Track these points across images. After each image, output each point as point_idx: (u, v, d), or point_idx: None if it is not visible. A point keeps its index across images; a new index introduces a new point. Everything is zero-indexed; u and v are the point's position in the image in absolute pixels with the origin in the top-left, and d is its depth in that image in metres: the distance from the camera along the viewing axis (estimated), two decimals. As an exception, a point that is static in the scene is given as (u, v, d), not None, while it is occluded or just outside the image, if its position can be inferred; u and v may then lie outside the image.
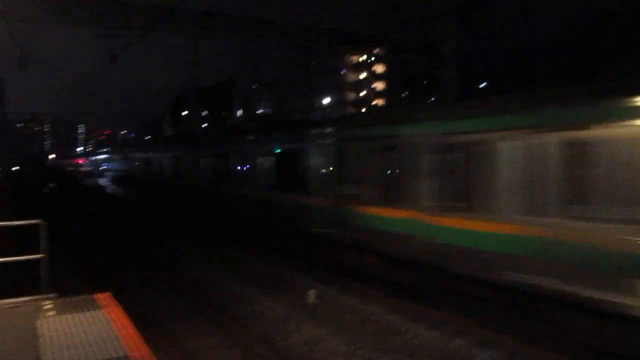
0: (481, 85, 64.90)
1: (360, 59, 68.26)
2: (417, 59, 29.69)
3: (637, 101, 7.31)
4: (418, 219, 10.97)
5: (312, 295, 11.83)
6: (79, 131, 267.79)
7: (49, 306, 6.49)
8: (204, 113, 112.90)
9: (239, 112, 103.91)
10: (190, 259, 17.13)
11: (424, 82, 64.17)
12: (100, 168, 46.37)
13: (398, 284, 13.25)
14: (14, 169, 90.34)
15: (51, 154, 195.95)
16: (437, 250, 10.59)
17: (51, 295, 6.86)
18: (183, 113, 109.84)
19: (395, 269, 14.67)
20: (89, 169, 56.81)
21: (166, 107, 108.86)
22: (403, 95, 71.14)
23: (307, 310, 11.12)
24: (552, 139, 8.22)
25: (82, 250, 19.13)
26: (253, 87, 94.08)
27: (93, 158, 51.74)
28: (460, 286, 10.80)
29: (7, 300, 6.63)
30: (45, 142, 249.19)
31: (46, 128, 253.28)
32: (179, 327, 10.26)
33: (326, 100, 74.93)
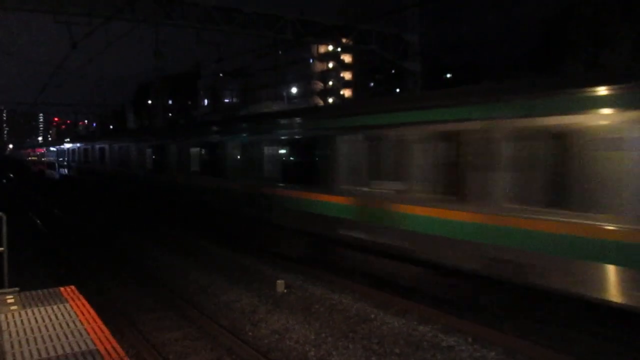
0: (447, 76, 65.94)
1: (328, 49, 68.20)
2: (383, 49, 29.82)
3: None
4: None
5: (280, 285, 11.89)
6: (40, 120, 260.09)
7: (11, 300, 6.37)
8: (169, 102, 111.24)
9: (205, 102, 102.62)
10: (150, 248, 16.99)
11: (391, 73, 64.77)
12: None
13: (360, 270, 13.48)
14: None
15: (9, 144, 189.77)
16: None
17: (13, 289, 6.73)
18: (148, 102, 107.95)
19: (357, 256, 14.91)
20: (50, 160, 55.44)
21: (130, 96, 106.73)
22: (370, 85, 71.68)
23: (274, 300, 11.17)
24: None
25: (45, 243, 18.71)
26: (219, 76, 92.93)
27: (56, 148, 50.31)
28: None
29: (-35, 296, 6.48)
30: (4, 132, 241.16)
31: (3, 117, 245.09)
32: (144, 320, 10.18)
33: (293, 90, 74.68)
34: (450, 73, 65.65)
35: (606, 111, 7.05)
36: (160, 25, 22.00)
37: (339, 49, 63.82)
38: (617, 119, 6.97)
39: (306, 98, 75.65)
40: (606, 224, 6.96)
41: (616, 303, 6.99)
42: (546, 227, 7.63)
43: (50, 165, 62.73)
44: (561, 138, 7.54)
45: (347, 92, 78.43)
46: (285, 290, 11.79)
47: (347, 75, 78.38)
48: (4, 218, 6.61)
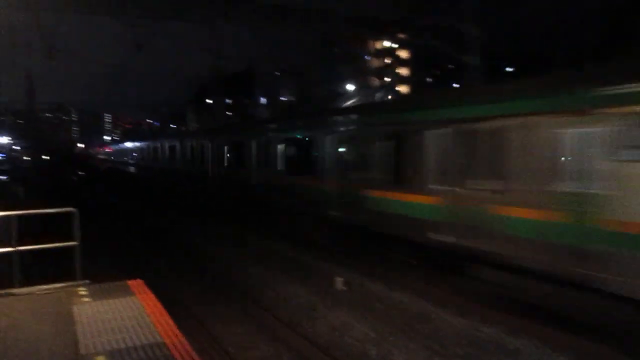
0: (508, 70, 63.83)
1: (384, 45, 67.57)
2: (440, 43, 29.19)
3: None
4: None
5: (339, 282, 11.85)
6: (106, 120, 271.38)
7: (83, 292, 6.63)
8: (228, 101, 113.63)
9: (262, 100, 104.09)
10: (213, 243, 17.34)
11: (449, 67, 63.41)
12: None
13: (419, 268, 13.24)
14: (44, 157, 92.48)
15: (79, 143, 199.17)
16: None
17: (85, 281, 7.00)
18: (207, 101, 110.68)
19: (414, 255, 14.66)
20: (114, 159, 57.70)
21: (190, 96, 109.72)
22: (428, 80, 70.48)
23: (334, 297, 11.14)
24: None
25: (113, 238, 19.48)
26: (275, 74, 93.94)
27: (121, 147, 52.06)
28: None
29: (42, 287, 6.79)
30: (73, 131, 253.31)
31: (74, 117, 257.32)
32: (205, 313, 10.39)
33: (350, 87, 74.48)
34: (511, 66, 63.52)
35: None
36: (218, 25, 22.37)
37: (395, 45, 63.17)
38: None
39: (362, 95, 75.37)
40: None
41: None
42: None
43: (118, 163, 65.65)
44: None
45: (403, 89, 77.47)
46: (345, 287, 11.74)
47: (403, 71, 77.43)
48: (77, 213, 6.89)
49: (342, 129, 14.53)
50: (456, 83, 67.42)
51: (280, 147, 18.03)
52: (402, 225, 12.18)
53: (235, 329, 9.65)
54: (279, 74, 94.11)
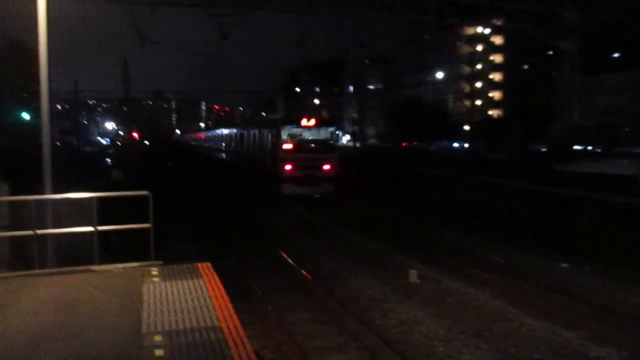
0: (614, 56, 59.13)
1: (476, 31, 64.88)
2: (536, 28, 27.49)
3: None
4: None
5: (412, 275, 11.55)
6: (202, 108, 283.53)
7: (154, 272, 6.88)
8: (316, 89, 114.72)
9: (350, 88, 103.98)
10: (289, 230, 17.56)
11: (546, 54, 59.80)
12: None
13: (503, 267, 12.64)
14: (145, 142, 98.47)
15: (176, 129, 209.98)
16: None
17: (158, 262, 7.27)
18: (296, 89, 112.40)
19: (493, 250, 14.03)
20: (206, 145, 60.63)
21: (279, 84, 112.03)
22: (523, 68, 66.91)
23: (406, 291, 10.88)
24: None
25: (196, 220, 20.31)
26: (364, 63, 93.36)
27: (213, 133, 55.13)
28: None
29: (118, 265, 7.13)
30: (172, 118, 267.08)
31: (172, 105, 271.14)
32: (277, 298, 10.51)
33: (439, 75, 72.46)
34: (618, 52, 58.78)
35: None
36: (303, 14, 22.44)
37: (488, 30, 60.38)
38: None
39: (452, 83, 73.05)
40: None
41: None
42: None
43: (210, 149, 68.47)
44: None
45: (496, 76, 74.16)
46: (419, 281, 11.45)
47: (497, 58, 74.02)
48: (150, 196, 7.16)
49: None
50: (555, 70, 63.53)
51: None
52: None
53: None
54: (367, 62, 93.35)
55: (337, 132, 37.59)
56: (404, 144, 57.29)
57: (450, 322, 9.05)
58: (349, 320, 9.18)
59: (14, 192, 9.12)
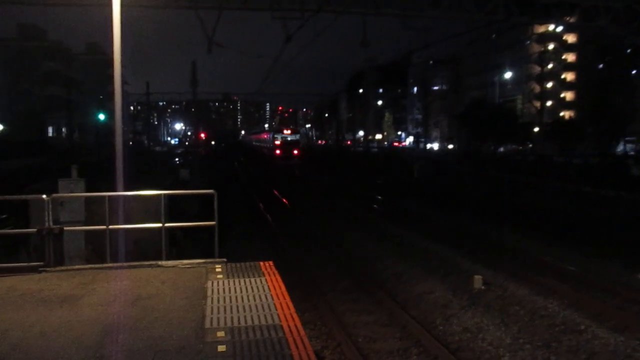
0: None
1: (547, 29, 62.28)
2: (614, 25, 26.04)
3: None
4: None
5: (477, 280, 11.21)
6: (267, 109, 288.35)
7: (218, 269, 7.02)
8: (380, 90, 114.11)
9: (414, 89, 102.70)
10: (351, 232, 17.50)
11: (624, 52, 56.64)
12: None
13: (575, 276, 12.04)
14: (212, 143, 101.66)
15: (242, 130, 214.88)
16: None
17: (222, 260, 7.42)
18: (359, 91, 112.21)
19: (570, 260, 13.39)
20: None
21: (343, 85, 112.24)
22: (599, 66, 63.53)
23: (470, 297, 10.57)
24: None
25: (259, 220, 20.66)
26: (429, 64, 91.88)
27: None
28: None
29: (185, 261, 7.33)
30: (237, 119, 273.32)
31: (238, 106, 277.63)
32: (338, 300, 10.50)
33: (507, 75, 70.17)
34: None
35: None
36: (367, 15, 22.28)
37: (560, 28, 57.75)
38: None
39: (521, 84, 70.58)
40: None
41: None
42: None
43: (261, 147, 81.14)
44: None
45: (569, 76, 70.90)
46: (483, 287, 11.08)
47: (569, 57, 70.75)
48: (216, 195, 7.32)
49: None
50: (635, 68, 59.97)
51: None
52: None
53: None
54: (432, 63, 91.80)
55: (299, 137, 71.85)
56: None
57: (517, 332, 8.71)
58: (411, 324, 9.02)
59: (89, 189, 9.59)
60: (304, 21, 16.73)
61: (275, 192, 29.19)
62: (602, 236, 16.39)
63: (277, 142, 66.46)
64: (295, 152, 64.70)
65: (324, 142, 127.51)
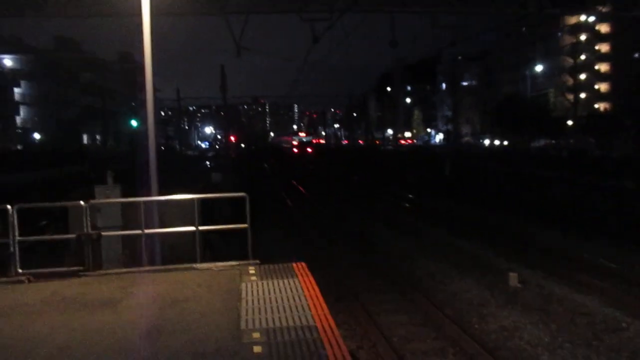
0: None
1: (579, 19, 60.79)
2: (651, 13, 25.23)
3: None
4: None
5: (513, 278, 11.03)
6: (295, 111, 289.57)
7: (252, 271, 7.09)
8: (409, 88, 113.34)
9: (443, 86, 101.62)
10: (384, 232, 17.42)
11: (662, 41, 54.74)
12: None
13: (615, 273, 11.73)
14: (242, 146, 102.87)
15: (270, 132, 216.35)
16: None
17: (255, 261, 7.49)
18: (388, 89, 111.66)
19: (610, 257, 13.06)
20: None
21: (372, 85, 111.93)
22: (635, 56, 61.68)
23: (506, 295, 10.41)
24: None
25: (291, 219, 20.75)
26: (458, 60, 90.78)
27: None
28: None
29: (219, 264, 7.42)
30: (266, 122, 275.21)
31: (266, 109, 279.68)
32: (372, 301, 10.46)
33: (539, 68, 68.72)
34: None
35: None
36: (395, 13, 22.11)
37: (593, 18, 56.22)
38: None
39: (553, 77, 69.06)
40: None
41: None
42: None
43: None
44: None
45: (603, 67, 69.01)
46: (520, 285, 10.92)
47: (603, 48, 68.84)
48: (247, 198, 7.39)
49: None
50: (671, 58, 57.89)
51: None
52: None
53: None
54: (461, 59, 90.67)
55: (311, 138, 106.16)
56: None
57: (555, 330, 8.53)
58: (446, 324, 8.94)
59: (125, 195, 9.81)
60: (332, 22, 16.77)
61: (307, 195, 29.26)
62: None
63: (295, 143, 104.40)
64: (309, 149, 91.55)
65: (346, 141, 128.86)
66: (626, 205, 18.41)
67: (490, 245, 14.71)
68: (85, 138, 71.13)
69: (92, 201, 7.75)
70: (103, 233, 7.53)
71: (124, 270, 7.63)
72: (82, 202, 7.26)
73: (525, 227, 17.82)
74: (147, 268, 7.44)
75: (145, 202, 7.65)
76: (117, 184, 9.97)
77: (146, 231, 7.49)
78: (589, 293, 10.22)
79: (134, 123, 65.75)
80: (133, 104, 76.11)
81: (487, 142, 74.65)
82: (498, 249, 14.17)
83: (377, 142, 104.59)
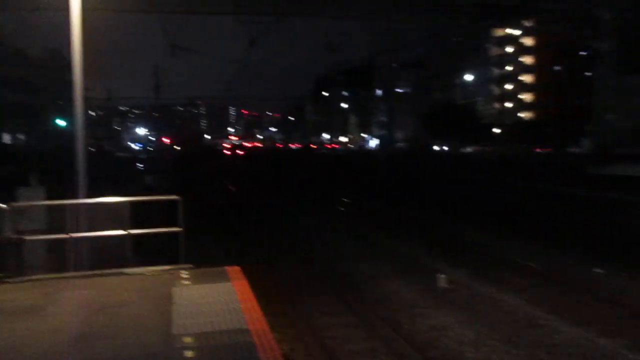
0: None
1: (506, 32, 63.85)
2: (570, 29, 26.94)
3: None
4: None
5: (442, 279, 11.44)
6: (231, 113, 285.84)
7: (184, 275, 7.00)
8: (345, 93, 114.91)
9: (379, 92, 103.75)
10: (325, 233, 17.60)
11: (580, 55, 58.57)
12: None
13: (537, 272, 12.42)
14: (177, 148, 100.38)
15: (206, 134, 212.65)
16: None
17: (188, 265, 7.39)
18: (324, 94, 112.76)
19: (531, 256, 13.79)
20: None
21: (308, 89, 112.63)
22: (557, 69, 65.53)
23: (436, 295, 10.79)
24: None
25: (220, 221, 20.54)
26: (393, 67, 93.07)
27: None
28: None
29: (150, 268, 7.28)
30: (202, 124, 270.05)
31: (202, 110, 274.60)
32: (308, 302, 10.55)
33: (469, 78, 71.61)
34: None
35: None
36: (332, 18, 22.46)
37: (519, 32, 59.26)
38: None
39: (482, 86, 72.16)
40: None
41: None
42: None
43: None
44: None
45: (527, 78, 72.87)
46: (448, 286, 11.33)
47: (528, 60, 72.71)
48: (181, 201, 7.28)
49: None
50: (588, 71, 62.07)
51: None
52: None
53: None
54: (397, 66, 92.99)
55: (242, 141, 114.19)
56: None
57: (481, 328, 8.93)
58: (378, 325, 9.15)
59: (50, 197, 9.40)
60: (268, 25, 16.81)
61: (245, 199, 29.06)
62: (562, 232, 16.94)
63: (227, 145, 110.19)
64: (239, 152, 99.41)
65: (281, 145, 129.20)
66: (545, 206, 19.55)
67: (422, 246, 15.19)
68: (7, 137, 67.17)
69: (14, 204, 7.38)
70: (26, 237, 7.19)
71: (49, 275, 7.32)
72: (2, 205, 6.91)
73: (458, 228, 18.52)
74: (74, 274, 7.17)
75: (72, 205, 7.37)
76: (41, 186, 9.53)
77: (73, 235, 7.22)
78: (512, 291, 10.75)
79: (61, 122, 62.83)
80: (60, 102, 72.71)
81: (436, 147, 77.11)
82: (430, 250, 14.64)
83: (313, 145, 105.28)
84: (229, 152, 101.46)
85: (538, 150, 44.18)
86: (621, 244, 15.17)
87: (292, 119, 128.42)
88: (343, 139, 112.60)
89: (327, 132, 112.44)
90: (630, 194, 17.87)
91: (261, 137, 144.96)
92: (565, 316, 9.34)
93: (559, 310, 9.65)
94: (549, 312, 9.55)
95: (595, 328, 8.73)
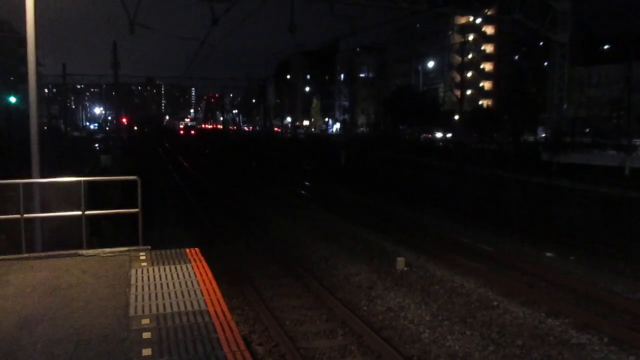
0: (604, 48, 59.41)
1: (468, 20, 64.71)
2: (528, 19, 27.51)
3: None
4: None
5: (400, 262, 11.67)
6: (193, 94, 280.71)
7: (143, 257, 6.90)
8: (308, 77, 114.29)
9: (342, 76, 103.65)
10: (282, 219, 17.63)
11: (538, 45, 59.89)
12: None
13: (490, 255, 12.80)
14: (135, 128, 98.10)
15: (167, 115, 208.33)
16: None
17: (147, 247, 7.28)
18: (287, 77, 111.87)
19: (486, 241, 14.19)
20: None
21: (271, 71, 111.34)
22: (515, 58, 66.93)
23: (394, 278, 11.00)
24: None
25: (186, 206, 20.30)
26: (356, 51, 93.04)
27: None
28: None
29: (107, 249, 7.14)
30: (162, 104, 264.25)
31: (162, 91, 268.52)
32: (266, 285, 10.60)
33: (430, 64, 72.27)
34: (608, 44, 59.08)
35: None
36: (295, 0, 22.29)
37: (480, 20, 60.16)
38: None
39: (443, 72, 73.06)
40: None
41: None
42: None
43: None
44: None
45: (487, 66, 74.21)
46: (406, 269, 11.57)
47: (488, 48, 74.02)
48: (139, 181, 7.14)
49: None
50: (546, 61, 63.63)
51: None
52: None
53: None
54: (359, 50, 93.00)
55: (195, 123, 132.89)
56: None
57: (436, 309, 9.18)
58: (337, 307, 9.28)
59: (4, 176, 9.07)
60: (231, 4, 16.53)
61: (204, 183, 28.74)
62: (515, 218, 17.48)
63: (181, 126, 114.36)
64: (192, 132, 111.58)
65: (250, 128, 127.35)
66: (500, 192, 20.12)
67: (380, 231, 15.41)
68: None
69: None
70: (-25, 217, 6.94)
71: (1, 257, 7.09)
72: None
73: (412, 213, 18.84)
74: (26, 255, 6.97)
75: (24, 184, 7.14)
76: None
77: (25, 215, 7.01)
78: (466, 274, 11.06)
79: (12, 99, 60.31)
80: (12, 78, 69.70)
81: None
82: (387, 235, 14.88)
83: (276, 129, 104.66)
84: (182, 132, 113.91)
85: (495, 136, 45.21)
86: (570, 229, 15.80)
87: (254, 101, 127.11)
88: (305, 122, 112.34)
89: (290, 116, 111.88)
90: (582, 182, 18.56)
91: (222, 119, 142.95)
92: (516, 298, 9.71)
93: (511, 292, 10.01)
94: (502, 294, 9.89)
95: (544, 309, 9.11)
